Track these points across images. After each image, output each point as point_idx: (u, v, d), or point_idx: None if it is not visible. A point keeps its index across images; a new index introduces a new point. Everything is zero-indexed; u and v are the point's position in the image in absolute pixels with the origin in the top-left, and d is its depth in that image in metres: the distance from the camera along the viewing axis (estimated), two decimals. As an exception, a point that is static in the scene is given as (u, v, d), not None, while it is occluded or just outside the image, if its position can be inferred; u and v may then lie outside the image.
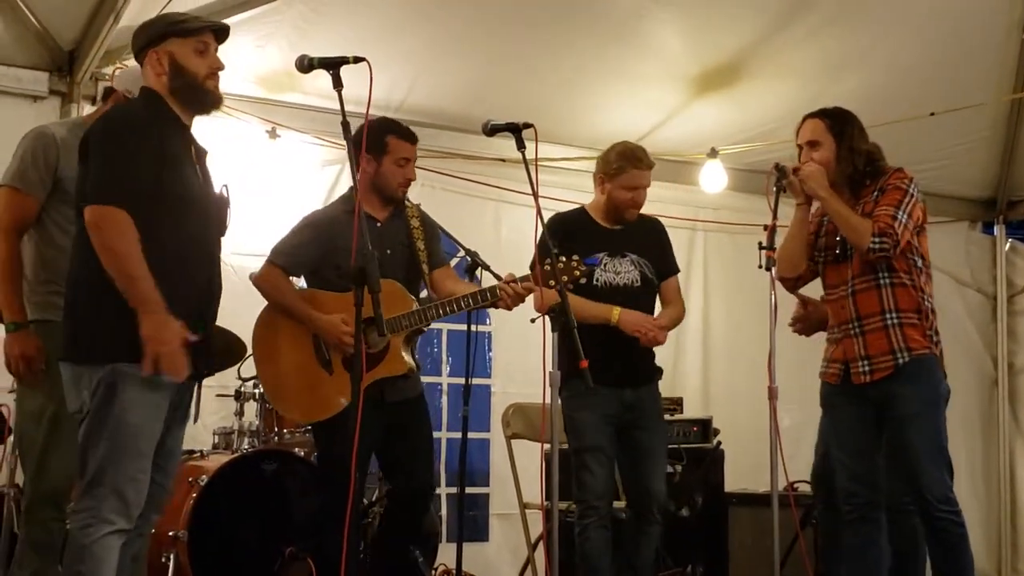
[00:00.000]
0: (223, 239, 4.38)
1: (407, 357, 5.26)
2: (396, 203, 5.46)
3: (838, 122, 5.23)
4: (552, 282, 4.83)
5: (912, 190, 5.10)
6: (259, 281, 5.37)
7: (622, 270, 5.63)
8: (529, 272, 5.15)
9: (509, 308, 5.18)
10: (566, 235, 5.47)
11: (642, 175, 5.68)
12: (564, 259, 5.04)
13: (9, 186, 4.72)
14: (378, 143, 5.33)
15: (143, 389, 3.93)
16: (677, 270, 5.92)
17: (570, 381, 5.10)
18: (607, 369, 5.35)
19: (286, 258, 5.37)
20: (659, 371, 5.76)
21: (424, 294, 5.44)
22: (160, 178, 4.00)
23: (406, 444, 5.36)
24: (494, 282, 5.34)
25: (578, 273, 5.08)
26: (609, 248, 5.65)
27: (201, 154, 4.29)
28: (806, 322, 5.56)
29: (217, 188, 4.36)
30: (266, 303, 5.39)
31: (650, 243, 5.77)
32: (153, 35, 4.21)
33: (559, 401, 4.86)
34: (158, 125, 4.10)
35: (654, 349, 5.68)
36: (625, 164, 5.67)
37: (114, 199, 3.91)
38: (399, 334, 5.20)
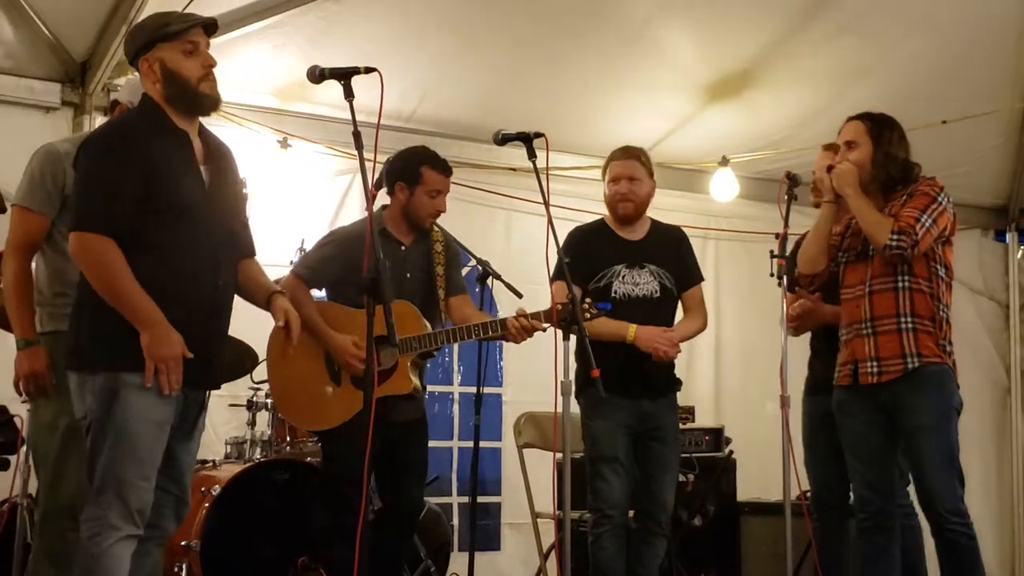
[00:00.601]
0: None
1: (413, 378, 5.28)
2: (423, 230, 5.52)
3: (877, 126, 5.24)
4: (562, 321, 4.86)
5: (941, 198, 5.11)
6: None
7: (640, 281, 5.60)
8: (546, 297, 5.18)
9: (517, 342, 5.19)
10: (585, 246, 5.51)
11: (620, 164, 5.64)
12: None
13: (19, 205, 4.74)
14: (412, 173, 5.41)
15: (144, 397, 3.93)
16: (700, 279, 5.83)
17: (587, 390, 5.12)
18: (625, 380, 5.39)
19: (309, 271, 5.45)
20: (678, 383, 5.73)
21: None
22: (152, 190, 3.98)
23: (400, 464, 5.40)
24: (505, 291, 5.35)
25: (588, 316, 5.03)
26: (627, 259, 5.61)
27: (214, 156, 4.25)
28: (802, 319, 5.57)
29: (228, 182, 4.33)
30: None
31: (670, 253, 5.71)
32: (141, 43, 4.15)
33: (571, 410, 4.85)
34: (150, 136, 4.06)
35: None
36: (609, 159, 5.70)
37: (93, 225, 3.92)
38: (408, 355, 5.24)
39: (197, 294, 4.11)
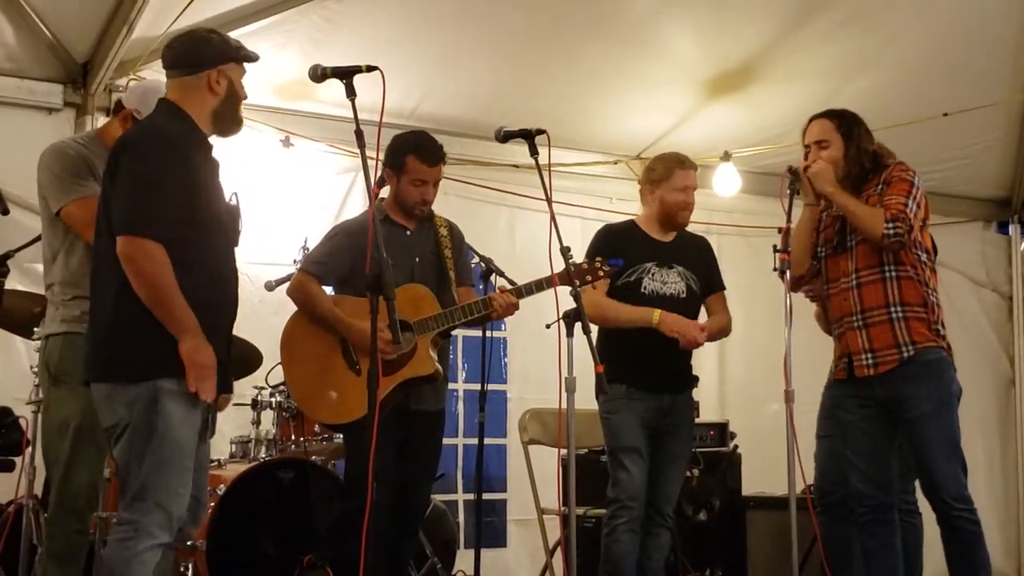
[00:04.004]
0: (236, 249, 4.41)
1: (434, 357, 5.29)
2: (418, 218, 5.52)
3: (846, 122, 5.29)
4: (577, 281, 4.90)
5: (917, 182, 5.14)
6: (292, 291, 5.43)
7: (669, 280, 5.66)
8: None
9: (501, 317, 5.33)
10: (617, 243, 5.60)
11: (688, 175, 5.74)
12: (587, 261, 5.21)
13: (73, 201, 4.69)
14: (397, 161, 5.39)
15: (183, 404, 3.96)
16: (723, 287, 5.91)
17: (609, 385, 5.12)
18: (648, 374, 5.50)
19: (319, 266, 5.41)
20: (696, 379, 5.79)
21: None
22: (191, 202, 4.02)
23: (414, 460, 5.39)
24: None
25: (602, 273, 5.20)
26: (658, 258, 5.68)
27: (216, 167, 4.30)
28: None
29: (227, 197, 4.39)
30: (294, 311, 5.43)
31: (698, 259, 5.81)
32: (218, 56, 4.22)
33: (575, 406, 4.86)
34: (188, 146, 4.11)
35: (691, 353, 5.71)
36: (672, 166, 5.75)
37: (145, 230, 3.92)
38: (426, 335, 5.24)
39: (227, 306, 4.23)
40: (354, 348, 5.28)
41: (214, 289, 4.12)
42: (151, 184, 3.97)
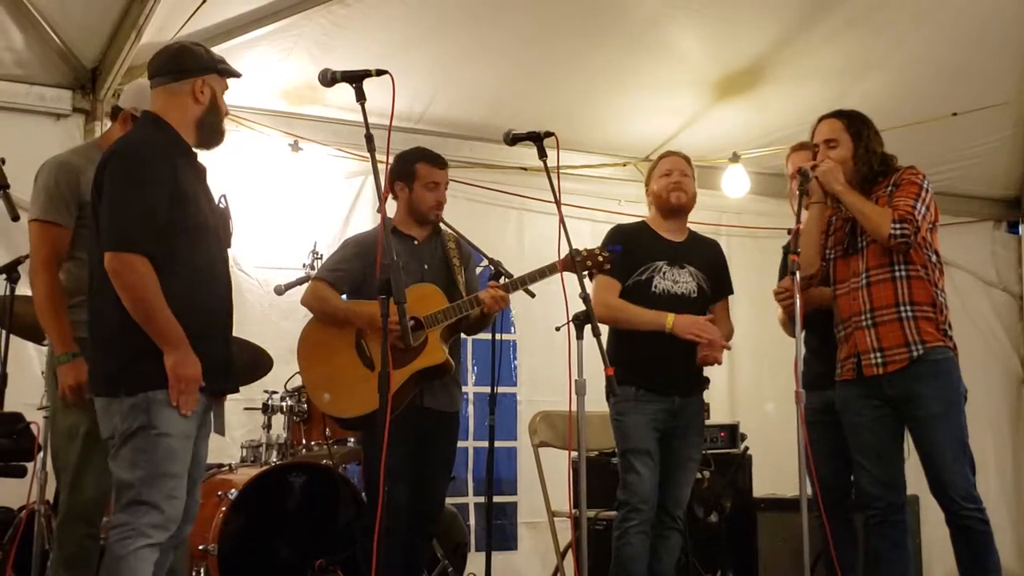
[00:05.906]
0: (234, 252, 4.44)
1: (444, 348, 5.33)
2: (432, 225, 5.59)
3: (855, 123, 5.28)
4: (576, 268, 4.94)
5: (927, 185, 5.14)
6: (307, 298, 5.52)
7: (680, 280, 5.65)
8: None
9: (491, 311, 5.36)
10: (628, 242, 5.58)
11: (672, 160, 5.76)
12: (587, 249, 5.23)
13: (39, 220, 4.73)
14: (408, 171, 5.52)
15: (175, 413, 4.03)
16: (731, 292, 5.91)
17: (619, 387, 5.12)
18: (658, 376, 5.47)
19: (332, 274, 5.51)
20: (706, 381, 5.76)
21: None
22: (177, 213, 4.07)
23: (424, 459, 5.40)
24: (518, 291, 5.38)
25: (602, 259, 5.24)
26: (669, 257, 5.67)
27: (202, 173, 4.35)
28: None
29: (216, 200, 4.43)
30: (308, 318, 5.50)
31: (709, 261, 5.80)
32: (203, 65, 4.29)
33: (585, 409, 4.86)
34: (172, 157, 4.15)
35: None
36: (660, 159, 5.82)
37: (131, 246, 3.98)
38: (435, 328, 5.30)
39: (220, 308, 4.28)
40: (365, 336, 5.34)
41: (205, 293, 4.18)
42: (135, 199, 4.04)
